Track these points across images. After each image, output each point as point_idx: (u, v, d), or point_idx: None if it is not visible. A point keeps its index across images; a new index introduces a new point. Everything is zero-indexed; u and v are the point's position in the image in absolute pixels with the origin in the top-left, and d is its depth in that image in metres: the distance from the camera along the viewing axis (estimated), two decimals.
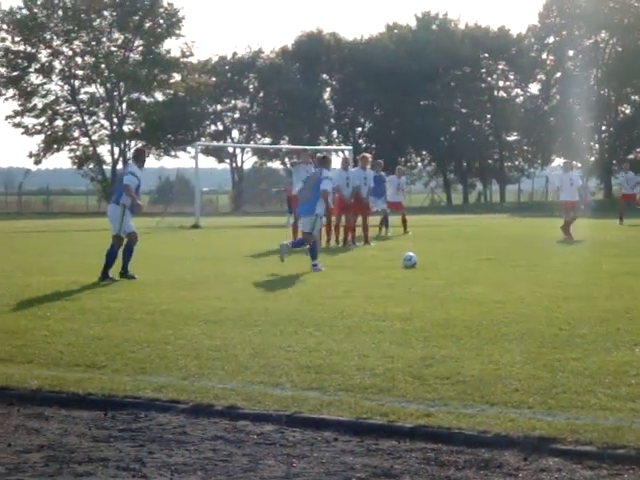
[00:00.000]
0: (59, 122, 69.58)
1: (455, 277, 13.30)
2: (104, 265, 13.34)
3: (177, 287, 12.25)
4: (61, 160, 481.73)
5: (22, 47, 66.98)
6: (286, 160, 72.07)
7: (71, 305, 10.50)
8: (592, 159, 69.03)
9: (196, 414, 5.94)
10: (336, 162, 27.61)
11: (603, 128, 69.78)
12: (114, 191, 14.65)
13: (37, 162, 69.64)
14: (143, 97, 70.41)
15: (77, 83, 69.19)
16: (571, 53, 69.74)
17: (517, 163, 74.84)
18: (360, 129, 76.58)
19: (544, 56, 72.17)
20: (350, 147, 44.44)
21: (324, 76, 74.74)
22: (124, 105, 69.56)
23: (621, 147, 69.22)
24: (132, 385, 6.51)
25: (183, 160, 71.25)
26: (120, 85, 68.76)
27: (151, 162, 73.28)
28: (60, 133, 69.39)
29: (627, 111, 70.61)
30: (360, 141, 73.73)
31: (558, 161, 74.10)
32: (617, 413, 5.60)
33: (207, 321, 9.23)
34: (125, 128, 70.03)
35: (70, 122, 69.88)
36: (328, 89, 75.91)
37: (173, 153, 71.48)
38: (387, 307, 10.04)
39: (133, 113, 70.22)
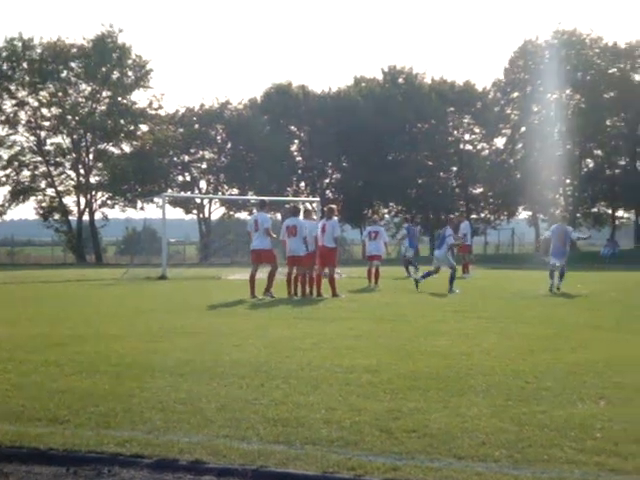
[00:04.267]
0: (25, 173, 69.43)
1: (422, 329, 13.31)
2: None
3: (143, 339, 12.14)
4: (26, 211, 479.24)
5: None
6: (254, 211, 72.38)
7: (34, 358, 10.33)
8: (557, 212, 69.86)
9: (160, 469, 5.83)
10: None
11: (567, 182, 70.77)
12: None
13: (2, 213, 69.21)
14: (110, 148, 70.44)
15: (43, 134, 69.14)
16: (535, 108, 70.92)
17: (483, 215, 75.51)
18: (328, 180, 77.02)
19: (509, 111, 73.31)
20: (318, 198, 44.64)
21: (292, 128, 75.29)
22: (91, 156, 69.53)
23: (585, 200, 70.10)
24: (95, 439, 6.40)
25: (150, 211, 71.28)
26: (87, 136, 68.76)
27: (117, 213, 73.25)
28: (26, 184, 69.10)
29: (590, 165, 71.71)
30: (327, 192, 74.14)
31: (524, 214, 75.13)
32: (583, 467, 5.59)
33: (173, 373, 9.13)
34: (92, 179, 69.96)
35: (36, 173, 69.70)
36: (296, 141, 76.47)
37: (140, 205, 71.30)
38: (354, 359, 10.00)
39: (100, 164, 70.15)
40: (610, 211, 72.43)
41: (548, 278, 23.22)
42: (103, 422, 6.96)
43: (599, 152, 71.32)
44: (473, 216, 72.76)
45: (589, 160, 71.85)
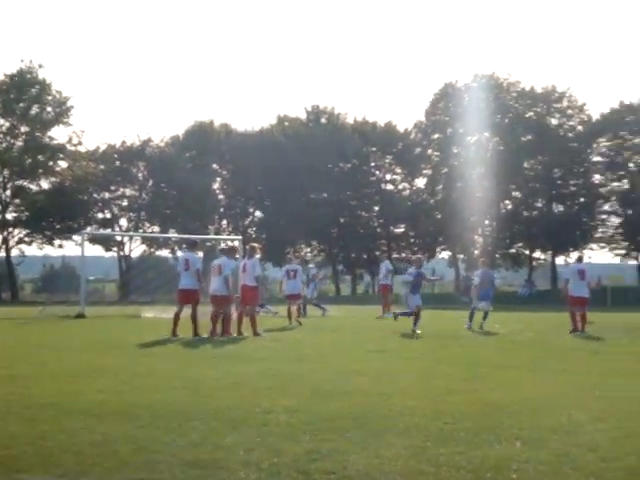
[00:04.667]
0: None
1: (342, 368, 13.29)
2: None
3: (58, 379, 11.87)
4: None
5: None
6: (176, 249, 71.74)
7: None
8: (476, 252, 70.84)
9: None
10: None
11: (486, 222, 71.84)
12: None
13: None
14: (28, 184, 69.23)
15: None
16: (456, 150, 72.05)
17: (404, 255, 76.10)
18: (250, 219, 76.93)
19: (430, 151, 74.39)
20: (240, 237, 44.53)
21: (215, 166, 75.16)
22: (8, 192, 68.23)
23: (503, 241, 71.20)
24: None
25: (69, 248, 70.24)
26: (4, 172, 67.53)
27: (35, 250, 71.97)
28: None
29: (509, 207, 72.94)
30: (250, 231, 74.03)
31: (444, 254, 75.99)
32: None
33: (88, 415, 8.93)
34: (9, 215, 68.60)
35: None
36: (218, 179, 76.32)
37: (58, 242, 70.06)
38: (274, 399, 9.92)
39: (17, 200, 68.88)
40: (528, 252, 73.69)
41: (467, 319, 23.79)
42: (14, 466, 6.76)
43: (517, 194, 72.65)
44: (394, 255, 73.28)
45: (507, 202, 73.11)
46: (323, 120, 76.19)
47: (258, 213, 76.89)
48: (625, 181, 69.74)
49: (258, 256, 22.22)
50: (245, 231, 71.57)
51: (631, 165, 69.18)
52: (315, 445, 7.42)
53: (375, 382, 11.62)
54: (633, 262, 71.76)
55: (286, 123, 76.36)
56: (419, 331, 22.34)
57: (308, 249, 77.07)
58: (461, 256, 74.01)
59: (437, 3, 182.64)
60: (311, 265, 35.46)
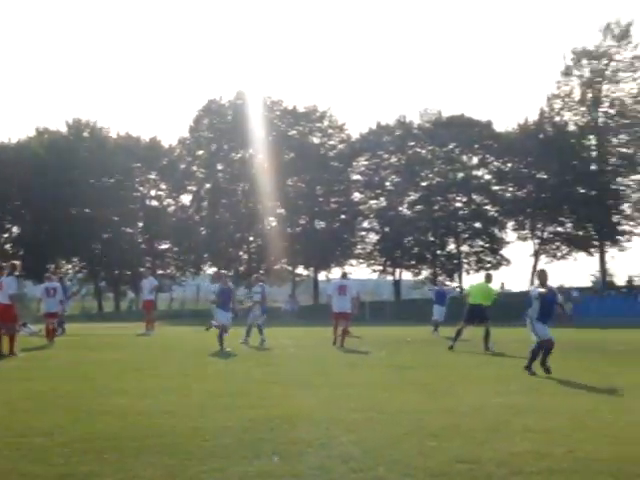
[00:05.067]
0: None
1: (101, 388, 12.99)
2: None
3: None
4: None
5: None
6: None
7: None
8: (241, 269, 71.39)
9: None
10: None
11: (251, 239, 72.54)
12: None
13: None
14: None
15: None
16: (220, 166, 72.42)
17: (169, 271, 75.60)
18: (7, 235, 73.91)
19: (195, 168, 74.31)
20: None
21: None
22: None
23: (268, 257, 72.10)
24: None
25: None
26: None
27: None
28: None
29: (273, 223, 73.94)
30: (7, 247, 71.12)
31: (210, 270, 75.97)
32: None
33: None
34: None
35: None
36: None
37: None
38: (28, 422, 9.55)
39: None
40: (291, 268, 74.94)
41: (245, 333, 24.10)
42: None
43: (281, 211, 73.76)
44: (159, 272, 72.54)
45: (272, 218, 74.07)
46: (85, 134, 74.43)
47: (15, 229, 73.97)
48: (382, 199, 72.42)
49: (17, 273, 21.36)
50: (1, 247, 68.66)
51: (388, 184, 71.96)
52: (70, 468, 7.20)
53: (135, 401, 11.43)
54: (390, 277, 74.56)
55: (46, 136, 74.01)
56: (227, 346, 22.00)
57: (69, 266, 74.86)
58: (225, 272, 74.24)
59: (201, 19, 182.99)
60: (69, 282, 34.24)
